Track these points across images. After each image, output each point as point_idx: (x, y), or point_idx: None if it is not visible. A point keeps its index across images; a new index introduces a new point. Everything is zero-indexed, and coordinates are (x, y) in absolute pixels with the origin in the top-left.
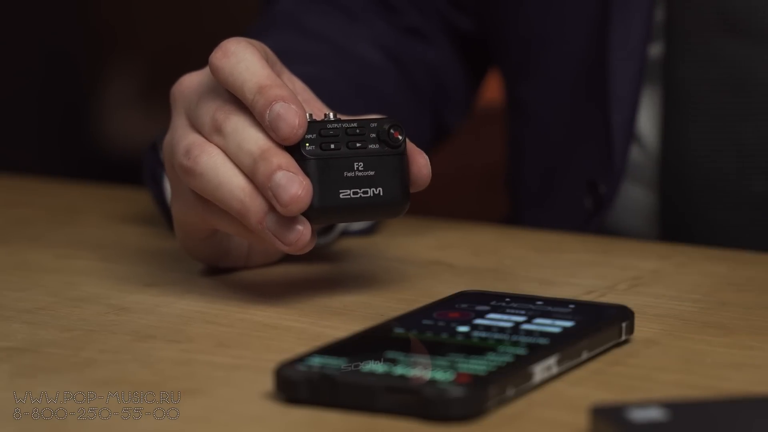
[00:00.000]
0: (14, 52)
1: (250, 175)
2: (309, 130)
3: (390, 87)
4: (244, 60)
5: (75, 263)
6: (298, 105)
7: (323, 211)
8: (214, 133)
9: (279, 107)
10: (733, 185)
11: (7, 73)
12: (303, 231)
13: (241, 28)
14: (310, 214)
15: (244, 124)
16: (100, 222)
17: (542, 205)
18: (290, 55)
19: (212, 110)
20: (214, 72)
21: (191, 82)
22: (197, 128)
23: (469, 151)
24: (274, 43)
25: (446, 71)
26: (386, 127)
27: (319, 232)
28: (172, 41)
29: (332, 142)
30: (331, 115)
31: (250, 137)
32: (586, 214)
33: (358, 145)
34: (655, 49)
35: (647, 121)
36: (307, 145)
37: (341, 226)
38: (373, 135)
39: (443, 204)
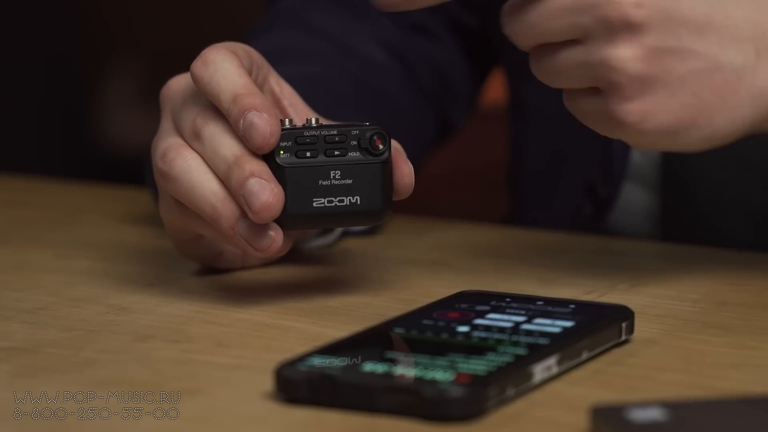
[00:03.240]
0: (14, 53)
1: (224, 181)
2: (285, 138)
3: (393, 86)
4: (221, 69)
5: (75, 263)
6: (271, 114)
7: (295, 218)
8: (193, 139)
9: (252, 116)
10: (737, 196)
11: (7, 74)
12: (275, 237)
13: (240, 29)
14: (282, 220)
15: (220, 131)
16: (100, 222)
17: (542, 206)
18: (293, 54)
19: (193, 115)
20: (194, 81)
21: (178, 85)
22: (180, 132)
23: (469, 151)
24: (278, 40)
25: (452, 69)
26: (368, 135)
27: (320, 232)
28: (171, 42)
29: (309, 150)
30: (314, 121)
31: (225, 144)
32: (586, 218)
33: (336, 153)
34: None
35: None
36: (282, 153)
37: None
38: (354, 143)
39: (443, 204)
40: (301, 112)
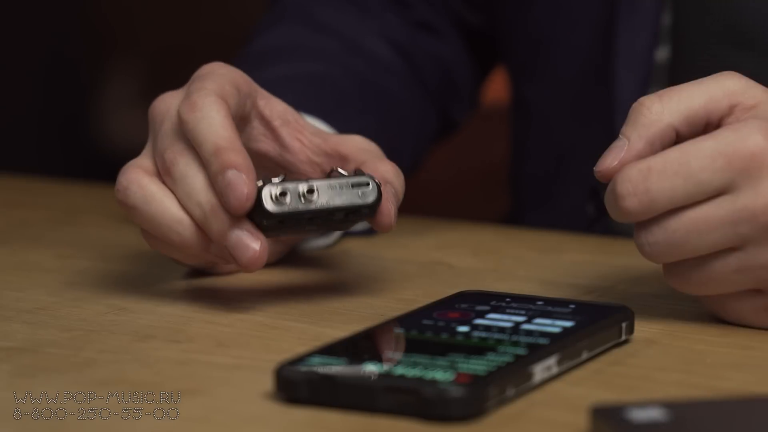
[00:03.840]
0: (15, 53)
1: (202, 226)
2: (272, 217)
3: (397, 83)
4: (207, 117)
5: (75, 263)
6: (249, 175)
7: None
8: (165, 174)
9: (231, 174)
10: None
11: (7, 74)
12: (258, 246)
13: (241, 29)
14: None
15: (191, 171)
16: (101, 222)
17: (543, 207)
18: (298, 51)
19: (165, 146)
20: (180, 124)
21: (162, 104)
22: (154, 158)
23: (469, 151)
24: (283, 36)
25: (455, 66)
26: (361, 214)
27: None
28: (172, 41)
29: (294, 222)
30: (312, 188)
31: (198, 188)
32: (588, 220)
33: (319, 220)
34: (662, 53)
35: None
36: (265, 222)
37: None
38: (342, 215)
39: (443, 204)
40: (293, 130)
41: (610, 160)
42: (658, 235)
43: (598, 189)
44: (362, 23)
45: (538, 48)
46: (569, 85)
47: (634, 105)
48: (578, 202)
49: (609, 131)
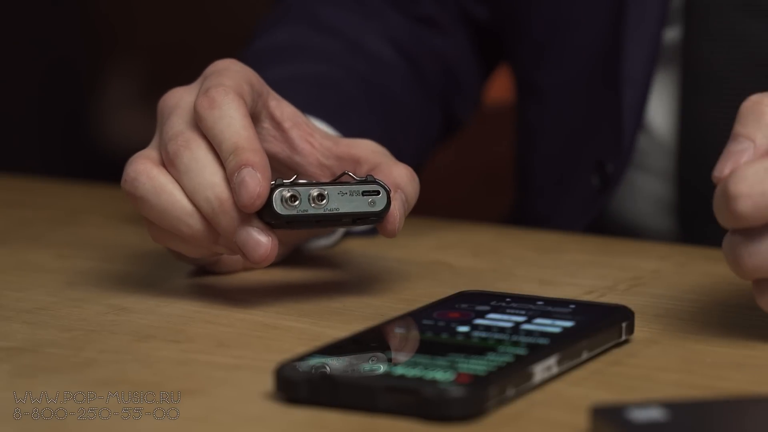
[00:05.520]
0: (15, 53)
1: (210, 221)
2: (279, 218)
3: (400, 85)
4: (227, 116)
5: (75, 263)
6: (264, 175)
7: None
8: (168, 164)
9: (246, 172)
10: None
11: (8, 74)
12: (269, 243)
13: (241, 27)
14: None
15: (197, 164)
16: (101, 222)
17: (552, 189)
18: (301, 51)
19: (169, 137)
20: (198, 120)
21: (171, 98)
22: (160, 151)
23: (467, 151)
24: (286, 35)
25: (459, 62)
26: (370, 219)
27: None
28: (172, 40)
29: (303, 222)
30: (323, 195)
31: (206, 182)
32: (593, 192)
33: (326, 222)
34: (672, 33)
35: (659, 109)
36: (273, 222)
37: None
38: (348, 219)
39: (443, 204)
40: (304, 133)
41: (733, 164)
42: (763, 243)
43: (603, 161)
44: (365, 23)
45: (549, 33)
46: (581, 69)
47: (750, 104)
48: (585, 177)
49: (616, 106)
